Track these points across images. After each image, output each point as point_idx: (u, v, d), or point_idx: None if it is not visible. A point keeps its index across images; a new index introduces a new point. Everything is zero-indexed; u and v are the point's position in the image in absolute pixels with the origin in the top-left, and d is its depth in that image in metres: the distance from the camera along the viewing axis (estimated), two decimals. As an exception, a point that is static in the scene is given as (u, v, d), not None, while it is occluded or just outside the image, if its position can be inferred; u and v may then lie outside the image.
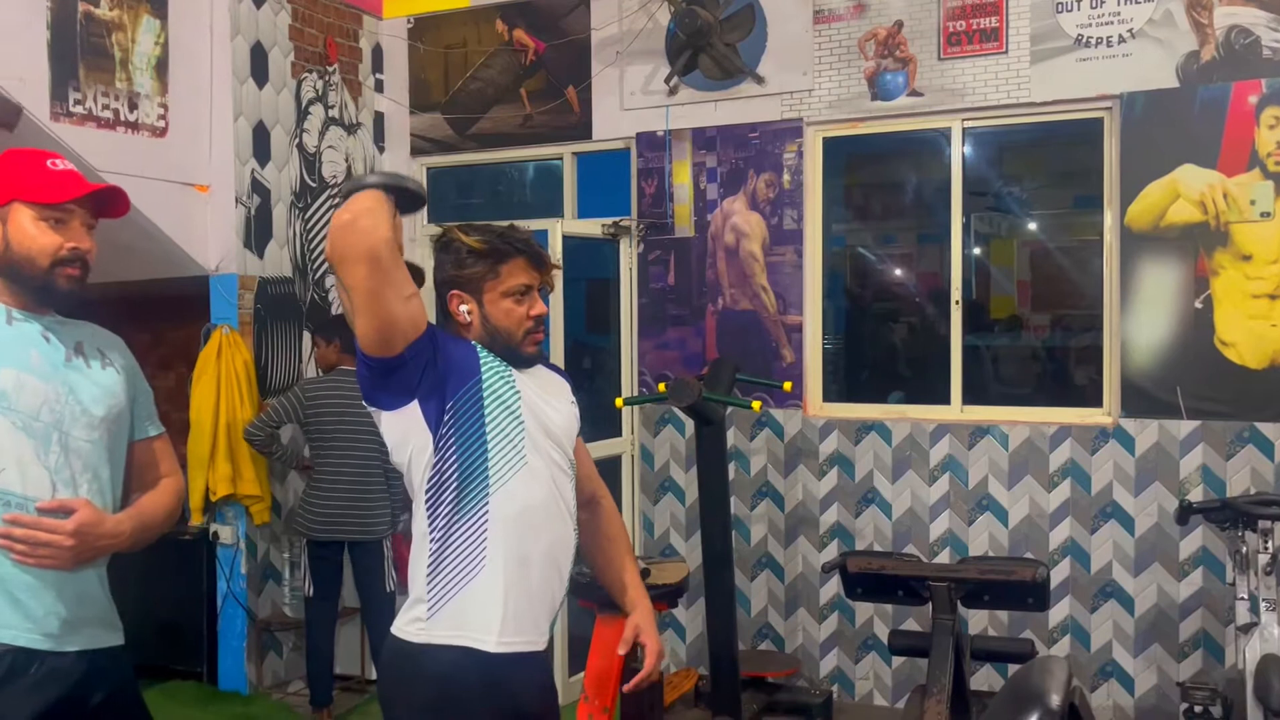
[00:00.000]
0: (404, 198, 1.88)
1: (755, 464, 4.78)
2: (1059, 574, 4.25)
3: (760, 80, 4.72)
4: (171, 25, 4.47)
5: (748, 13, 4.75)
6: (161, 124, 4.44)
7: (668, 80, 4.86)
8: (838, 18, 4.61)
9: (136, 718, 2.07)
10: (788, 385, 4.31)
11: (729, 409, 4.28)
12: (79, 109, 4.07)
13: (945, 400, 4.54)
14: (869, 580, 3.10)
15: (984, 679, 4.21)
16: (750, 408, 3.81)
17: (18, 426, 1.84)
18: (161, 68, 4.44)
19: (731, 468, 4.70)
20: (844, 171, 4.98)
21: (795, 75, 4.67)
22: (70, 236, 1.91)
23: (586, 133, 5.12)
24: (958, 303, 4.52)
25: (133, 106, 4.31)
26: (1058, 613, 4.27)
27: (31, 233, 1.88)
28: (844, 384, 5.04)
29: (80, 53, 4.08)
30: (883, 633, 4.48)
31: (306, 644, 4.39)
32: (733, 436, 4.74)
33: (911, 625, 4.25)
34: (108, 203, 1.98)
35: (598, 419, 4.76)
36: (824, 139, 4.72)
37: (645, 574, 3.29)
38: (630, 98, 4.99)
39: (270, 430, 4.27)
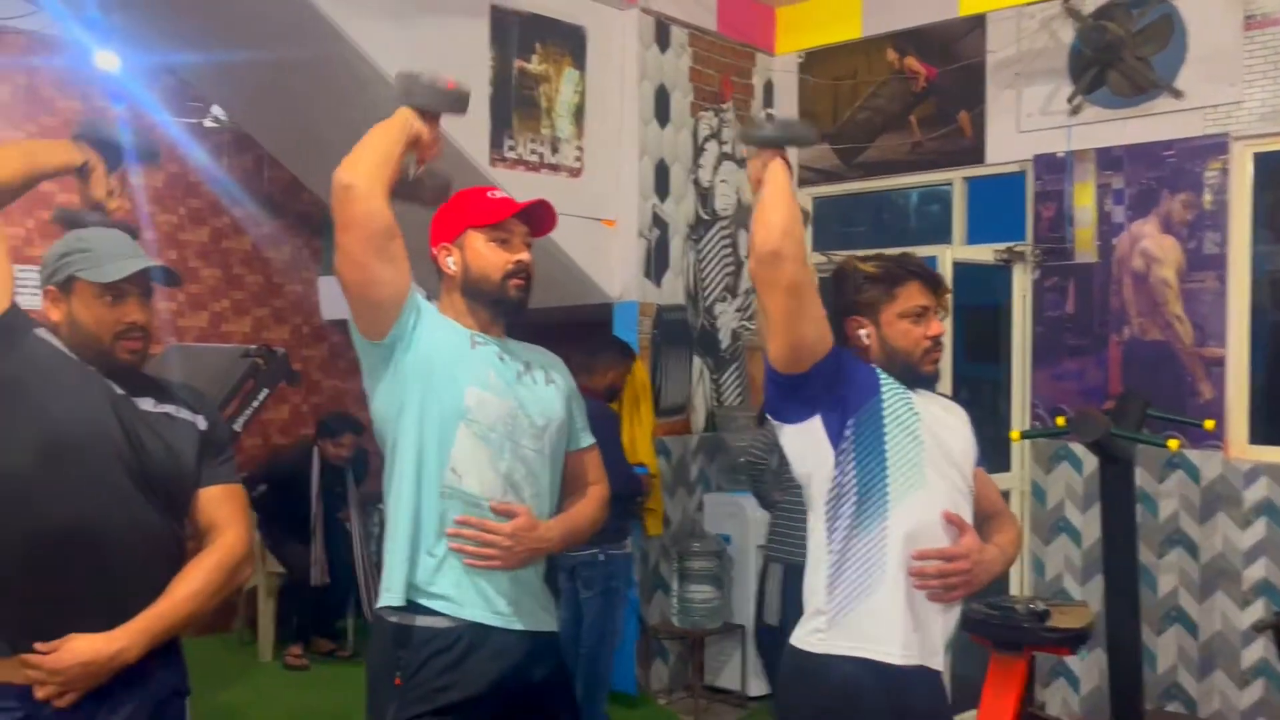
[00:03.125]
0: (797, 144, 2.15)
1: (1165, 508, 4.39)
2: None
3: (1178, 94, 4.37)
4: (589, 74, 4.91)
5: (1164, 23, 4.42)
6: (578, 164, 4.88)
7: (1071, 99, 4.63)
8: (1274, 21, 4.17)
9: (568, 700, 2.28)
10: (1210, 424, 3.92)
11: (1137, 447, 3.98)
12: (511, 154, 4.58)
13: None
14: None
15: None
16: (1166, 446, 3.53)
17: (478, 437, 2.07)
18: (579, 114, 4.88)
19: (1138, 511, 4.36)
20: (1272, 189, 4.48)
21: (1220, 87, 4.27)
22: (514, 251, 2.14)
23: (979, 157, 5.00)
24: None
25: (554, 150, 4.77)
26: None
27: (483, 253, 2.12)
28: (1273, 425, 4.51)
29: (514, 104, 4.59)
30: (1322, 708, 3.96)
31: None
32: (1139, 477, 4.38)
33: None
34: (538, 219, 2.20)
35: (984, 453, 4.58)
36: (1255, 154, 4.28)
37: (1044, 615, 3.15)
38: (1028, 119, 4.80)
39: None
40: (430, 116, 2.09)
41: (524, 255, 2.16)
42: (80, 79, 5.51)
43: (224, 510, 2.06)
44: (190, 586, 1.96)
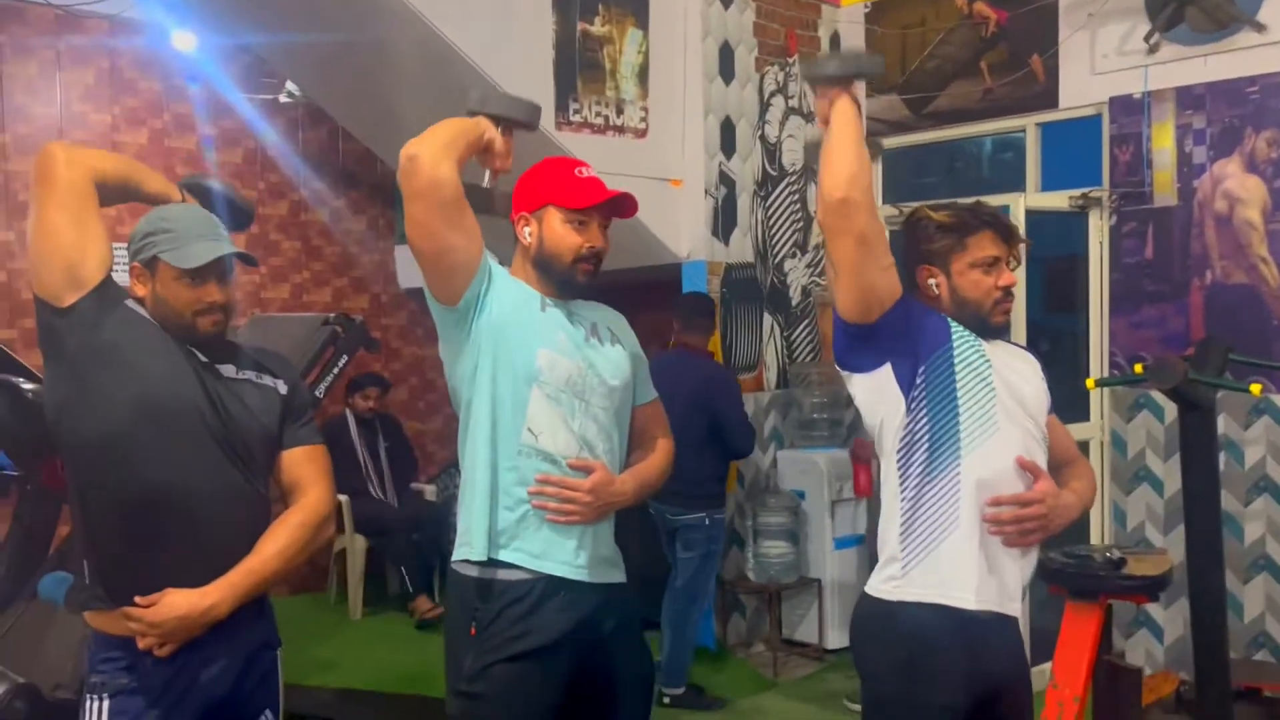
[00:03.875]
0: (865, 72, 2.16)
1: (1251, 455, 4.29)
2: None
3: (1261, 28, 4.21)
4: (652, 34, 4.90)
5: (1246, -47, 4.26)
6: (643, 125, 4.90)
7: (1148, 38, 4.49)
8: (1363, -55, 3.99)
9: (639, 650, 2.33)
10: (1294, 367, 3.82)
11: (1220, 393, 3.89)
12: (577, 117, 4.61)
13: None
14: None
15: None
16: (1248, 391, 3.44)
17: (549, 397, 2.12)
18: (643, 74, 4.89)
19: (1222, 458, 4.26)
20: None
21: (1306, 17, 4.11)
22: (589, 237, 2.17)
23: (1052, 101, 4.88)
24: None
25: (619, 111, 4.79)
26: None
27: (560, 233, 2.16)
28: (1366, 368, 4.37)
29: (579, 67, 4.61)
30: None
31: None
32: (1223, 424, 4.30)
33: None
34: (620, 207, 2.22)
35: (1061, 403, 4.51)
36: (1343, 86, 4.12)
37: (1120, 563, 3.12)
38: (1102, 60, 4.67)
39: None
40: (505, 128, 2.16)
41: (599, 241, 2.19)
42: (159, 60, 5.68)
43: (307, 470, 2.15)
44: (277, 544, 2.05)
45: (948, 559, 2.01)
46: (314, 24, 4.28)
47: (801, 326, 5.52)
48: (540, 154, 2.41)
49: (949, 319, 2.09)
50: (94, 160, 2.05)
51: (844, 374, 2.14)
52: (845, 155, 1.95)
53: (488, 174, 2.20)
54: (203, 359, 2.04)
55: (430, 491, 6.20)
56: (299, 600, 5.94)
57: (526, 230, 2.20)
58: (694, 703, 4.38)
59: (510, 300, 2.15)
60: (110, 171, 2.06)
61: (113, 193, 2.08)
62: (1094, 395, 4.69)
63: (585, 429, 2.16)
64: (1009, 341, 2.21)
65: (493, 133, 2.14)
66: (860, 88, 2.08)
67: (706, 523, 4.32)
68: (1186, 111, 4.44)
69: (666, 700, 4.33)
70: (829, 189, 1.95)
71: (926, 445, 2.03)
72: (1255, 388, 3.43)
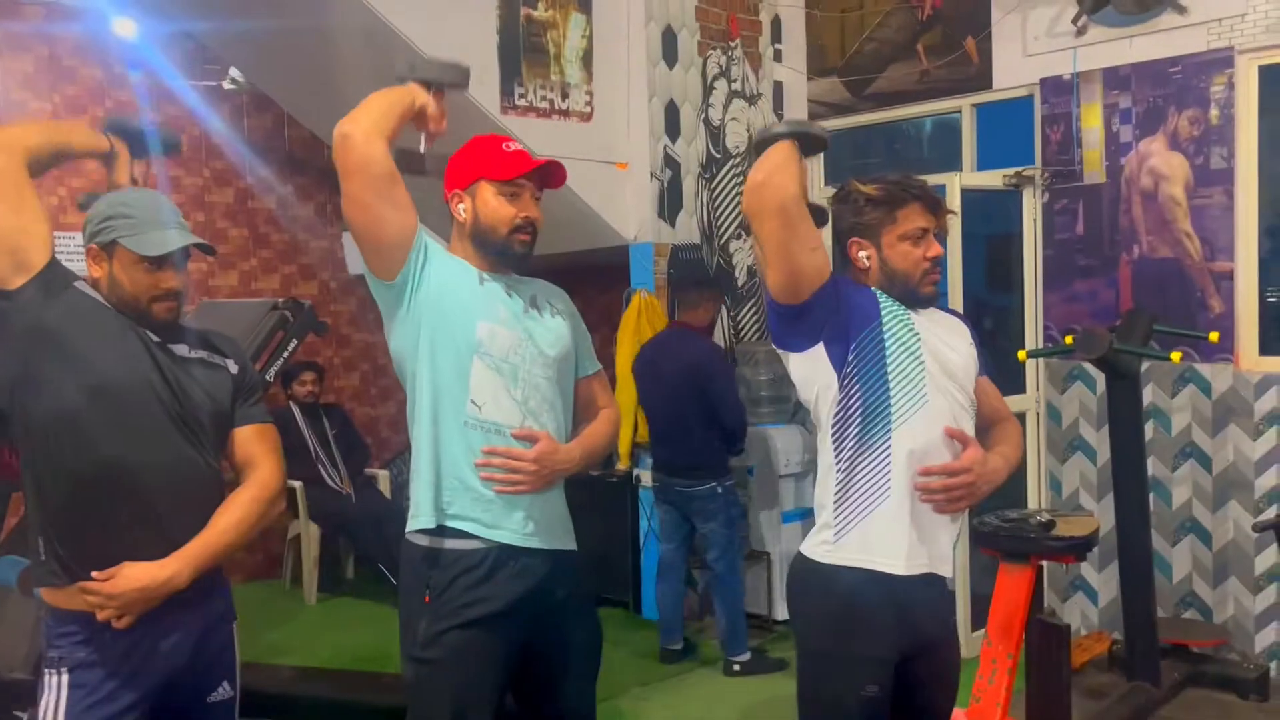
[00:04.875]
0: (809, 142, 2.07)
1: (1178, 423, 4.47)
2: None
3: (1182, 9, 4.36)
4: (595, 19, 4.96)
5: (1167, -63, 4.40)
6: (588, 109, 4.96)
7: (1075, 20, 4.63)
8: (1277, -70, 4.15)
9: (590, 619, 2.41)
10: (1214, 335, 3.97)
11: (1146, 363, 4.05)
12: (522, 101, 4.66)
13: None
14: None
15: None
16: (1168, 359, 3.59)
17: (491, 368, 2.19)
18: (587, 59, 4.94)
19: (1150, 426, 4.44)
20: (1278, 101, 4.47)
21: (1224, 0, 4.27)
22: (522, 207, 2.23)
23: (986, 83, 5.02)
24: None
25: (564, 96, 4.84)
26: None
27: (494, 205, 2.22)
28: (1285, 336, 4.57)
29: (523, 52, 4.66)
30: (1333, 610, 4.05)
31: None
32: (1151, 394, 4.47)
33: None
34: (549, 176, 2.30)
35: (1000, 377, 4.66)
36: (1260, 67, 4.28)
37: (1050, 525, 3.26)
38: (1034, 42, 4.81)
39: None
40: (436, 91, 2.21)
41: (532, 211, 2.26)
42: (99, 47, 5.63)
43: (258, 447, 2.20)
44: (231, 517, 2.11)
45: (879, 527, 2.09)
46: (257, 10, 4.29)
47: (747, 306, 5.62)
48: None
49: (878, 294, 2.15)
50: (22, 140, 2.06)
51: (781, 353, 2.21)
52: (771, 159, 2.02)
53: (423, 138, 2.26)
54: (155, 338, 2.08)
55: (383, 478, 6.23)
56: (253, 586, 5.95)
57: (461, 207, 2.26)
58: (760, 667, 4.54)
59: (448, 275, 2.21)
60: (39, 144, 2.08)
61: (46, 163, 2.11)
62: (1029, 368, 4.85)
63: (528, 398, 2.22)
64: (943, 309, 2.27)
65: (424, 98, 2.20)
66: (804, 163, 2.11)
67: (719, 490, 4.50)
68: (1113, 92, 4.59)
69: (736, 668, 4.52)
70: (753, 177, 2.02)
71: (859, 419, 2.10)
72: (1175, 355, 3.59)
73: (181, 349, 2.12)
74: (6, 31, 5.43)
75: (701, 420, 4.39)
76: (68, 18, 5.53)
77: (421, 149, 2.25)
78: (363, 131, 2.06)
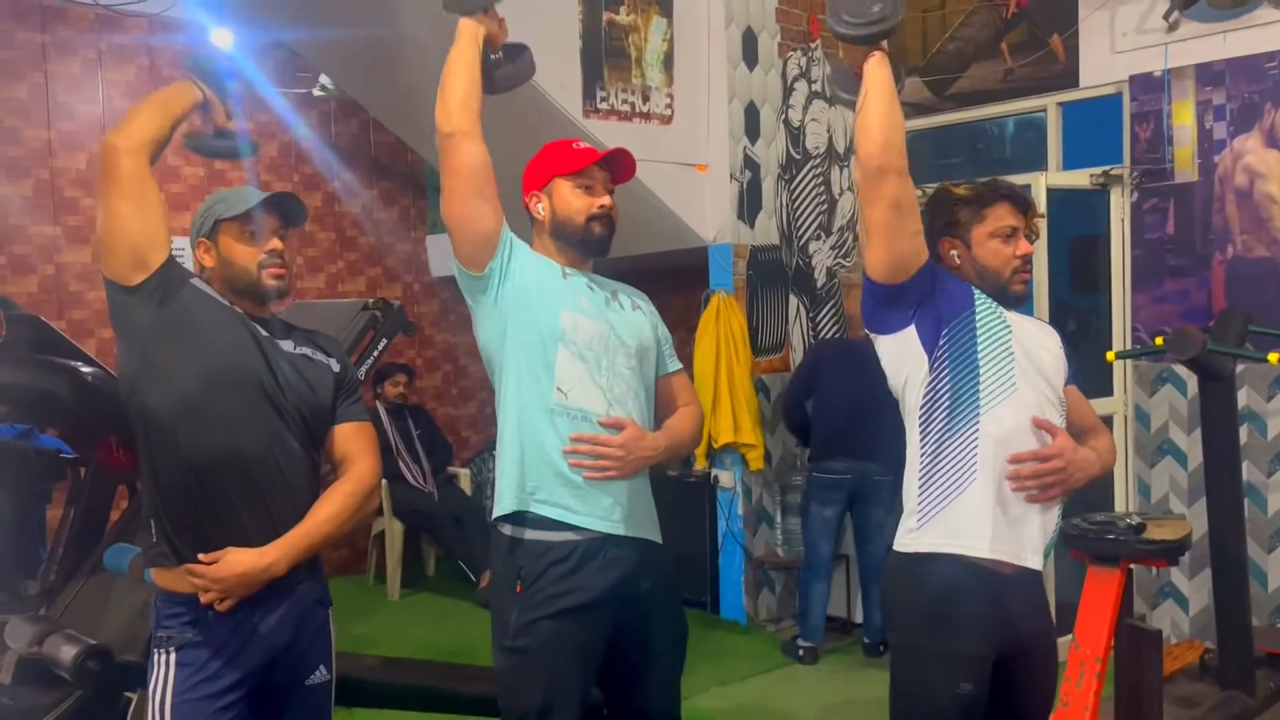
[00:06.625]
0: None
1: (1274, 427, 4.35)
2: None
3: None
4: (676, 22, 5.00)
5: (1264, -71, 4.29)
6: (668, 112, 4.99)
7: (1167, 15, 4.54)
8: (1381, -82, 4.02)
9: (676, 612, 2.44)
10: (1312, 338, 3.87)
11: (1240, 364, 3.95)
12: (604, 105, 4.71)
13: None
14: None
15: None
16: (1266, 360, 3.50)
17: (575, 355, 2.25)
18: (668, 62, 4.98)
19: (1244, 430, 4.32)
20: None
21: (1324, -9, 4.15)
22: (597, 196, 2.34)
23: (1073, 81, 4.93)
24: None
25: (645, 99, 4.89)
26: None
27: (569, 198, 2.33)
28: (1389, 339, 4.40)
29: (605, 56, 4.71)
30: None
31: None
32: (1246, 396, 4.35)
33: None
34: (619, 166, 2.39)
35: (1086, 380, 4.57)
36: (1362, 60, 4.16)
37: (1140, 528, 3.20)
38: (1122, 39, 4.72)
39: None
40: (487, 13, 2.35)
41: (606, 200, 2.35)
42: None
43: (356, 444, 2.28)
44: (330, 510, 2.18)
45: (963, 510, 2.09)
46: (347, 19, 4.40)
47: (827, 307, 5.60)
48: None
49: (973, 287, 2.18)
50: (143, 136, 2.12)
51: (871, 335, 2.23)
52: (880, 121, 2.04)
53: (490, 56, 2.37)
54: (264, 333, 2.17)
55: (464, 476, 6.34)
56: (338, 581, 6.08)
57: (539, 206, 2.37)
58: None
59: (533, 268, 2.31)
60: (157, 133, 2.16)
61: (164, 143, 2.19)
62: (1117, 371, 4.75)
63: (612, 385, 2.27)
64: (1030, 315, 2.30)
65: (482, 26, 2.33)
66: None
67: (848, 477, 4.65)
68: (1206, 88, 4.48)
69: (882, 649, 4.68)
70: (865, 156, 2.05)
71: (947, 403, 2.12)
72: (1273, 357, 3.50)
73: (287, 345, 2.21)
74: (110, 43, 5.66)
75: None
76: (168, 29, 5.74)
77: (493, 60, 2.37)
78: (464, 127, 2.21)
